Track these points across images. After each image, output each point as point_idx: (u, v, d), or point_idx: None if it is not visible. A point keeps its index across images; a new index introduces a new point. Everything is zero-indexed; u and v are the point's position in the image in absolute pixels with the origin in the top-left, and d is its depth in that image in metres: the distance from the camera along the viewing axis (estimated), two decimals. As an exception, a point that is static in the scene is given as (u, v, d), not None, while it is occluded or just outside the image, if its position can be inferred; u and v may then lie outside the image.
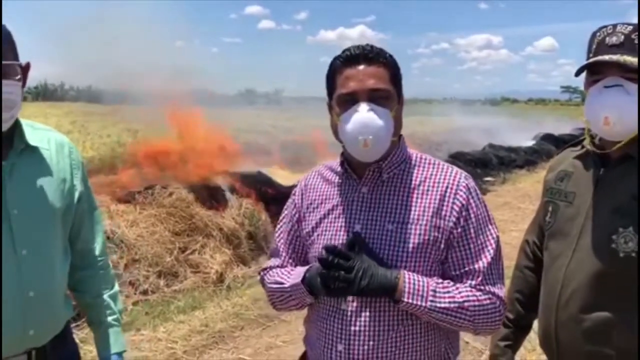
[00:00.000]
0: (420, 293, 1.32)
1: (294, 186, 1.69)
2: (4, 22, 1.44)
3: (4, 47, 1.37)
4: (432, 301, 1.32)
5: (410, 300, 1.31)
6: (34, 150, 1.51)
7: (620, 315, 1.37)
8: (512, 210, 8.84)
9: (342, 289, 1.32)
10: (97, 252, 1.73)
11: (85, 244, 1.70)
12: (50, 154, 1.55)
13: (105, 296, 1.72)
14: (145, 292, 4.73)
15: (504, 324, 1.76)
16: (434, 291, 1.33)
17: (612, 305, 1.38)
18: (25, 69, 1.47)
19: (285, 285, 1.49)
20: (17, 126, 1.49)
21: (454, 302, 1.34)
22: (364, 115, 1.33)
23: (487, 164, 13.99)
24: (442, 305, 1.33)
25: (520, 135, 19.15)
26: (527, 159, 15.34)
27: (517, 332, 1.77)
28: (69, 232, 1.63)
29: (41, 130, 1.58)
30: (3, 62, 1.35)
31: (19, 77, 1.40)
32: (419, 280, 1.33)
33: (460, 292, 1.35)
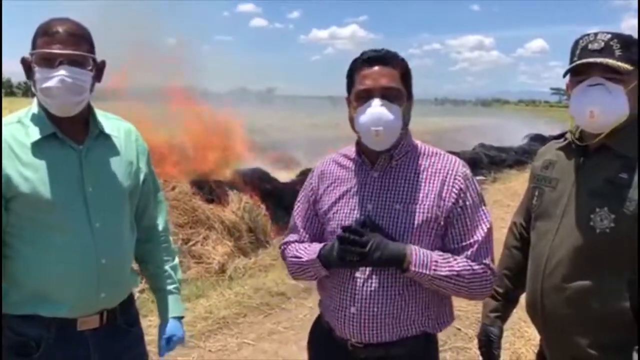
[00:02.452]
0: (425, 263, 1.53)
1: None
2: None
3: (83, 41, 1.58)
4: (434, 270, 1.53)
5: (416, 269, 1.53)
6: (107, 136, 1.71)
7: (596, 283, 1.56)
8: (502, 208, 9.04)
9: (357, 262, 1.54)
10: (160, 228, 1.93)
11: (150, 221, 1.89)
12: (120, 140, 1.74)
13: (167, 267, 1.91)
14: (151, 281, 4.91)
15: (494, 297, 1.97)
16: (436, 262, 1.54)
17: (590, 274, 1.57)
18: (101, 65, 1.66)
19: (303, 260, 1.71)
20: (92, 114, 1.68)
21: (453, 270, 1.55)
22: (376, 109, 1.55)
23: (477, 164, 14.23)
24: (443, 273, 1.54)
25: (511, 136, 19.45)
26: (517, 158, 15.60)
27: (505, 305, 1.97)
28: (136, 209, 1.82)
29: (112, 120, 1.78)
30: (77, 52, 1.55)
31: (90, 67, 1.59)
32: (423, 252, 1.55)
33: (458, 263, 1.57)
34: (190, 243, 5.54)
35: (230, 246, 5.76)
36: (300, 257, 1.72)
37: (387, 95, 1.57)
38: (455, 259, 1.58)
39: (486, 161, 14.54)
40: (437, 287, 1.58)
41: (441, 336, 4.12)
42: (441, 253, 1.59)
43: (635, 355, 1.46)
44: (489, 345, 1.94)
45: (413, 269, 1.53)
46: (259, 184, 7.14)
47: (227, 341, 4.10)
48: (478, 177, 13.08)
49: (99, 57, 1.65)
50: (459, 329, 4.28)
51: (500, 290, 1.96)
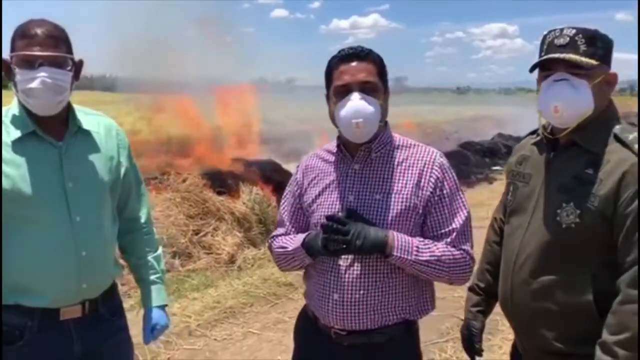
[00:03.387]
0: (407, 248, 1.60)
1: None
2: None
3: (61, 42, 1.63)
4: (416, 255, 1.60)
5: (398, 254, 1.59)
6: (86, 132, 1.77)
7: (562, 278, 1.58)
8: (517, 199, 8.97)
9: (341, 249, 1.60)
10: (142, 220, 2.00)
11: (132, 213, 1.96)
12: (100, 135, 1.80)
13: (150, 257, 1.98)
14: (161, 271, 5.04)
15: (476, 292, 2.00)
16: (417, 247, 1.61)
17: (555, 269, 1.60)
18: (79, 64, 1.72)
19: (289, 249, 1.78)
20: (71, 111, 1.75)
21: (434, 255, 1.62)
22: (356, 102, 1.61)
23: (495, 153, 14.14)
24: (424, 258, 1.61)
25: (531, 125, 19.15)
26: (535, 148, 15.39)
27: (487, 299, 1.98)
28: (118, 202, 1.89)
29: (92, 115, 1.84)
30: (57, 53, 1.61)
31: (70, 67, 1.66)
32: (404, 238, 1.61)
33: (438, 248, 1.64)
34: (201, 234, 5.66)
35: (240, 237, 5.86)
36: (286, 247, 1.79)
37: (365, 89, 1.63)
38: (435, 245, 1.65)
39: (504, 151, 14.41)
40: (418, 271, 1.64)
41: (444, 326, 4.17)
42: (421, 239, 1.66)
43: (597, 348, 1.49)
44: (471, 339, 1.97)
45: (395, 253, 1.59)
46: (271, 176, 7.22)
47: (233, 330, 4.20)
48: (495, 167, 12.99)
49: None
50: (462, 320, 4.29)
51: (482, 285, 1.99)
